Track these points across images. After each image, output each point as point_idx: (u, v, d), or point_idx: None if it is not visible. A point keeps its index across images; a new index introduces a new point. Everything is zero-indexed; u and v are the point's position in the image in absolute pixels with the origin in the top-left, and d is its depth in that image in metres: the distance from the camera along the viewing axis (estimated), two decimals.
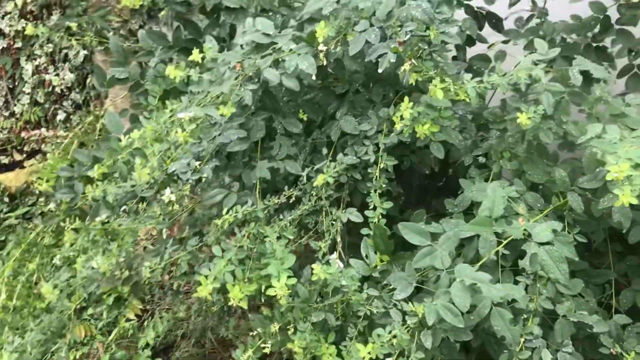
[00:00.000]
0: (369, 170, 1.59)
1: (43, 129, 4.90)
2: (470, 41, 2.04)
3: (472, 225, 1.36)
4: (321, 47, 1.55)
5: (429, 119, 1.49)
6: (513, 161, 1.64)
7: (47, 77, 4.68)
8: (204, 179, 1.64)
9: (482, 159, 1.74)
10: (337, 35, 1.57)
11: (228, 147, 1.65)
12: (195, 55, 1.49)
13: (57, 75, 4.61)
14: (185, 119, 1.45)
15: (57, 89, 4.67)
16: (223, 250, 1.43)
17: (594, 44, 1.86)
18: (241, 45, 1.63)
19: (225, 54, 1.53)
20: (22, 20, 4.59)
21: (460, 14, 2.06)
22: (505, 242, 1.39)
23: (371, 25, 1.51)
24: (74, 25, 2.98)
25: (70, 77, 4.54)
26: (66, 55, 4.50)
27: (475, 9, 2.06)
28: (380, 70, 1.41)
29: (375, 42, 1.46)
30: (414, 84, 1.46)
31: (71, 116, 4.77)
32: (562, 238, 1.41)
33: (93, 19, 3.32)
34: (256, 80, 1.56)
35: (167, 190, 1.56)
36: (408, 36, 1.38)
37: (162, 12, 1.93)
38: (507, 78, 1.44)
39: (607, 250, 1.63)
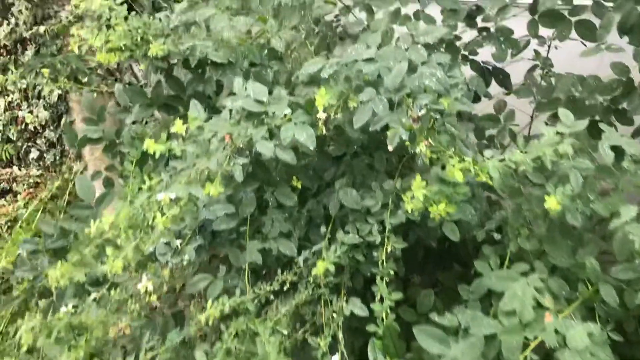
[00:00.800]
0: (374, 252, 1.41)
1: (15, 167, 4.66)
2: (476, 99, 1.89)
3: (502, 335, 1.18)
4: (320, 115, 1.37)
5: (443, 196, 1.32)
6: (532, 240, 1.48)
7: (20, 114, 4.46)
8: (185, 261, 1.44)
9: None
10: (338, 101, 1.40)
11: (214, 225, 1.46)
12: (179, 126, 1.31)
13: (31, 112, 4.39)
14: (166, 200, 1.26)
15: (31, 127, 4.45)
16: (207, 354, 1.23)
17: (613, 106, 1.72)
18: (230, 111, 1.45)
19: (212, 124, 1.34)
20: None
21: (464, 69, 1.92)
22: (533, 345, 1.22)
23: (377, 92, 1.35)
24: (45, 71, 2.80)
25: (44, 114, 4.31)
26: (40, 91, 4.29)
27: (482, 64, 1.91)
28: (390, 149, 1.24)
29: (383, 114, 1.29)
30: (428, 161, 1.29)
31: (44, 154, 4.54)
32: (596, 338, 1.23)
33: (68, 58, 3.13)
34: (247, 153, 1.38)
35: (144, 279, 1.36)
36: (423, 111, 1.21)
37: (142, 66, 1.74)
38: (532, 155, 1.28)
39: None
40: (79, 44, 1.61)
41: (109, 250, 1.22)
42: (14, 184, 4.59)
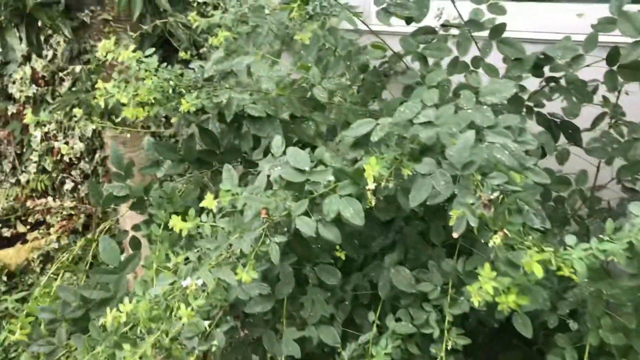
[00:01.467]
0: (432, 348, 1.21)
1: (49, 198, 4.61)
2: (542, 155, 1.68)
3: None
4: (370, 186, 1.19)
5: (513, 284, 1.12)
6: (617, 333, 1.26)
7: (56, 144, 4.42)
8: (214, 348, 1.27)
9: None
10: (390, 169, 1.22)
11: (247, 307, 1.29)
12: (209, 202, 1.14)
13: (67, 143, 4.34)
14: (192, 287, 1.09)
15: (66, 158, 4.40)
16: None
17: None
18: (268, 177, 1.28)
19: (247, 197, 1.18)
20: (33, 85, 4.36)
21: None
22: None
23: (438, 163, 1.16)
24: (78, 111, 2.71)
25: (79, 146, 4.26)
26: (76, 122, 4.23)
27: (548, 116, 1.71)
28: (455, 236, 1.05)
29: (445, 191, 1.10)
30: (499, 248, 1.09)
31: (79, 186, 4.48)
32: None
33: None
34: (285, 229, 1.21)
35: None
36: (496, 193, 1.02)
37: (174, 119, 1.59)
38: (623, 243, 1.07)
39: None
40: (105, 97, 1.47)
41: (125, 347, 1.06)
42: (48, 215, 4.54)
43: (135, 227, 1.67)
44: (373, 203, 1.22)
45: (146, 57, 1.42)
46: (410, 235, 1.46)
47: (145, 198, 1.66)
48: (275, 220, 1.19)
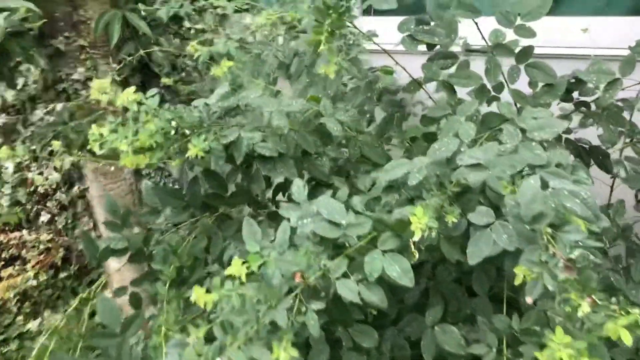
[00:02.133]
0: None
1: (24, 232, 4.37)
2: None
3: None
4: (415, 238, 1.06)
5: (587, 348, 0.99)
6: None
7: (29, 175, 4.19)
8: None
9: None
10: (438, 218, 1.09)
11: None
12: (237, 267, 0.99)
13: (41, 173, 4.12)
14: None
15: (41, 189, 4.17)
16: None
17: None
18: (292, 230, 1.14)
19: (278, 260, 1.03)
20: (3, 114, 4.12)
21: None
22: None
23: (496, 211, 1.03)
24: (57, 143, 2.51)
25: (55, 176, 4.03)
26: (51, 152, 4.01)
27: (577, 142, 1.60)
28: (529, 301, 0.92)
29: (508, 244, 0.97)
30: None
31: (56, 217, 4.25)
32: None
33: (82, 126, 2.86)
34: (323, 294, 1.06)
35: None
36: (577, 252, 0.89)
37: (174, 163, 1.43)
38: None
39: None
40: (100, 142, 1.31)
41: None
42: (24, 250, 4.29)
43: (135, 282, 1.51)
44: (417, 257, 1.09)
45: (147, 98, 1.25)
46: (445, 283, 1.33)
47: (146, 249, 1.49)
48: (310, 284, 1.04)
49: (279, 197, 1.63)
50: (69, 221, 4.16)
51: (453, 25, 1.29)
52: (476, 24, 1.41)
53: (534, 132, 1.14)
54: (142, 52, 2.51)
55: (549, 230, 0.93)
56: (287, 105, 1.43)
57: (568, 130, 1.56)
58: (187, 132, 1.36)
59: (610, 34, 2.37)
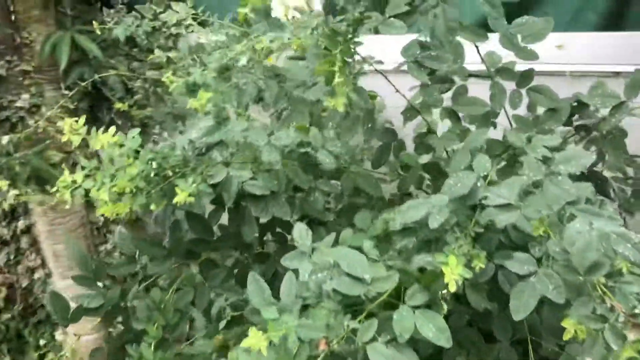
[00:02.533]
0: None
1: None
2: None
3: None
4: (450, 290, 0.95)
5: None
6: None
7: None
8: None
9: None
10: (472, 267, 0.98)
11: None
12: (257, 339, 0.84)
13: None
14: None
15: None
16: None
17: None
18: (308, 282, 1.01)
19: (301, 326, 0.89)
20: None
21: None
22: None
23: (520, 250, 0.94)
24: (3, 183, 2.30)
25: None
26: None
27: None
28: None
29: (557, 297, 0.88)
30: None
31: None
32: None
33: (29, 158, 2.63)
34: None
35: None
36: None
37: (154, 206, 1.27)
38: None
39: None
40: (71, 189, 1.14)
41: None
42: None
43: (113, 343, 1.33)
44: (446, 310, 0.98)
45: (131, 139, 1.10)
46: (460, 329, 1.23)
47: (123, 305, 1.32)
48: (334, 349, 0.91)
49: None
50: (12, 257, 3.85)
51: (460, 50, 1.20)
52: (477, 47, 1.33)
53: (559, 164, 1.05)
54: (97, 76, 2.31)
55: (603, 279, 0.84)
56: (278, 139, 1.30)
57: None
58: (170, 173, 1.21)
59: (579, 50, 2.36)
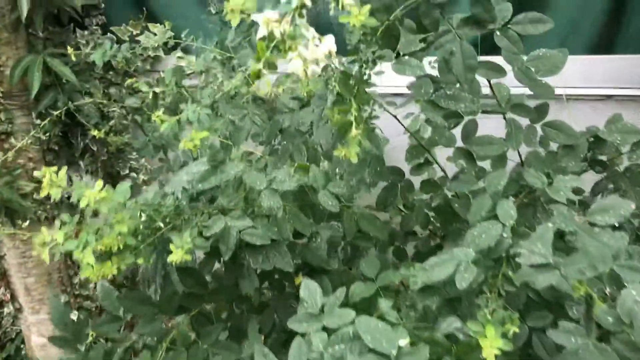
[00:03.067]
0: None
1: None
2: None
3: None
4: None
5: None
6: None
7: None
8: None
9: None
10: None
11: None
12: None
13: None
14: None
15: None
16: None
17: None
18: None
19: None
20: None
21: None
22: None
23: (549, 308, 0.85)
24: None
25: None
26: None
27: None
28: None
29: None
30: None
31: None
32: None
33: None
34: None
35: None
36: None
37: (142, 260, 1.14)
38: None
39: None
40: (47, 249, 1.01)
41: None
42: None
43: None
44: None
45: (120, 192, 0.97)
46: None
47: None
48: None
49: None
50: None
51: (476, 87, 1.11)
52: (489, 82, 1.24)
53: (595, 215, 0.96)
54: (71, 104, 2.17)
55: None
56: (279, 182, 1.19)
57: (580, 192, 1.42)
58: (161, 225, 1.09)
59: (572, 73, 2.31)
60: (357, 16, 0.74)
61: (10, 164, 2.48)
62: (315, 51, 0.66)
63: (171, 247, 1.00)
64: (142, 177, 2.90)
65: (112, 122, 2.72)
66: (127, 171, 2.87)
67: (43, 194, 0.94)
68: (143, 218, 1.05)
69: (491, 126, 1.29)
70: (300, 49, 0.66)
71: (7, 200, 2.45)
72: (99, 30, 2.62)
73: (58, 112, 2.23)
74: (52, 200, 2.71)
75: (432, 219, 1.45)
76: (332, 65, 0.92)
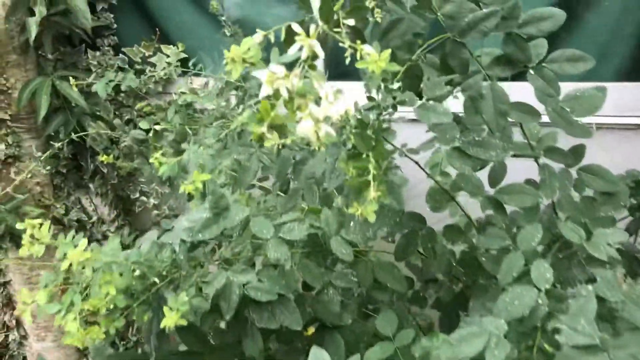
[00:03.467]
0: None
1: None
2: None
3: None
4: None
5: None
6: None
7: None
8: None
9: None
10: None
11: None
12: None
13: None
14: None
15: None
16: None
17: None
18: None
19: None
20: None
21: None
22: None
23: None
24: None
25: None
26: None
27: (630, 252, 1.33)
28: None
29: None
30: None
31: None
32: None
33: (2, 212, 2.39)
34: None
35: None
36: None
37: (136, 316, 1.04)
38: None
39: None
40: (29, 310, 0.91)
41: None
42: None
43: None
44: None
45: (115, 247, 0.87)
46: None
47: None
48: None
49: None
50: None
51: (508, 133, 1.00)
52: (520, 125, 1.13)
53: None
54: (74, 136, 2.09)
55: None
56: (287, 231, 1.08)
57: (634, 249, 1.30)
58: (157, 280, 0.99)
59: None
60: (377, 62, 0.63)
61: (16, 188, 2.40)
62: (329, 108, 0.56)
63: (165, 310, 0.89)
64: (152, 201, 2.81)
65: (121, 146, 2.64)
66: (137, 195, 2.79)
67: (23, 253, 0.84)
68: (137, 273, 0.95)
69: (519, 166, 1.17)
70: (311, 107, 0.56)
71: (12, 227, 2.37)
72: (110, 51, 2.55)
73: (66, 138, 2.16)
74: (59, 226, 2.64)
75: (455, 265, 1.34)
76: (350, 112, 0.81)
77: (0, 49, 2.27)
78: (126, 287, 0.92)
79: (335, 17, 0.62)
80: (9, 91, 2.34)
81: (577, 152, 1.17)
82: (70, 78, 1.82)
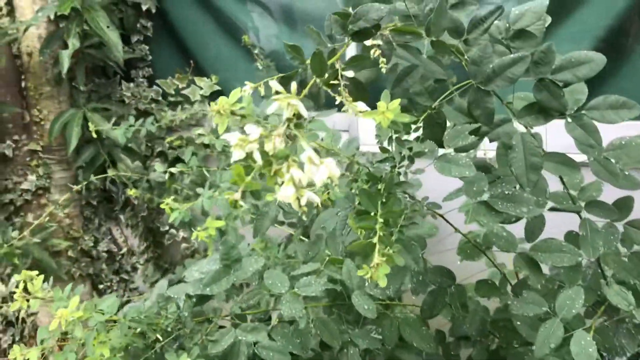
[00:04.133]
0: None
1: None
2: None
3: None
4: None
5: None
6: None
7: None
8: None
9: None
10: None
11: None
12: None
13: None
14: None
15: None
16: None
17: None
18: None
19: None
20: None
21: None
22: None
23: None
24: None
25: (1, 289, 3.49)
26: None
27: None
28: None
29: None
30: None
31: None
32: None
33: (29, 245, 2.38)
34: None
35: None
36: None
37: None
38: None
39: None
40: None
41: None
42: None
43: None
44: None
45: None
46: None
47: None
48: None
49: None
50: (17, 339, 3.59)
51: (542, 186, 0.91)
52: (561, 178, 1.03)
53: None
54: (109, 174, 2.07)
55: None
56: (303, 287, 1.01)
57: None
58: (160, 338, 0.92)
59: None
60: (384, 113, 0.56)
61: (49, 218, 2.40)
62: (312, 174, 0.49)
63: None
64: (182, 234, 2.77)
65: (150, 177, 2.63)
66: (167, 227, 2.76)
67: (14, 308, 0.79)
68: (137, 330, 0.88)
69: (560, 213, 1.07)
70: (293, 172, 0.49)
71: (38, 260, 2.36)
72: (145, 83, 2.56)
73: (94, 170, 2.14)
74: (87, 258, 2.63)
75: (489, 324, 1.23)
76: (360, 164, 0.74)
77: (35, 81, 2.29)
78: (126, 346, 0.86)
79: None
80: (42, 122, 2.35)
81: (624, 205, 1.06)
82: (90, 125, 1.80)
